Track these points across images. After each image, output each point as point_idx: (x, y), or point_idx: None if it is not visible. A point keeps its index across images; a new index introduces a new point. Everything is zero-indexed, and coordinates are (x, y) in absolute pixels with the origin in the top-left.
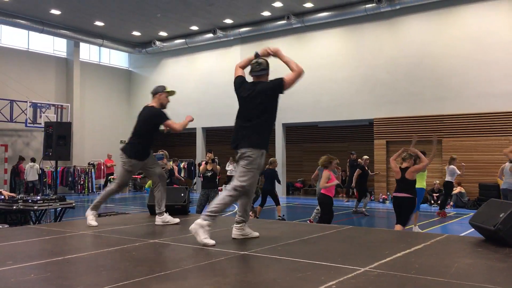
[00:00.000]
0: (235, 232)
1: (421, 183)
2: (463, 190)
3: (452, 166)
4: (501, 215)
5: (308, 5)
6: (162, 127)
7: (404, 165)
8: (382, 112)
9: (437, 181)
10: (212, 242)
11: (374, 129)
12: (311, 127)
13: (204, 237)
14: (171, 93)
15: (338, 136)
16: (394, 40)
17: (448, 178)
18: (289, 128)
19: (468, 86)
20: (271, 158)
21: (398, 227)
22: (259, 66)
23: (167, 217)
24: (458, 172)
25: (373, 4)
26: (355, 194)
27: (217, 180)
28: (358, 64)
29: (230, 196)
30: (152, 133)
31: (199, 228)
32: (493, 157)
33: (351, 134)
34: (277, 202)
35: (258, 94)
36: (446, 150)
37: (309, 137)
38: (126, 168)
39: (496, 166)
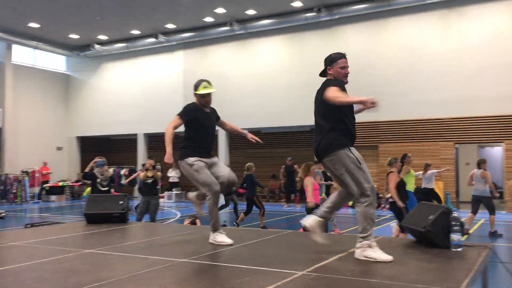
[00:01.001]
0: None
1: (411, 187)
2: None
3: (430, 171)
4: (430, 217)
5: (251, 12)
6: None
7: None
8: None
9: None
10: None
11: None
12: (254, 133)
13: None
14: (206, 95)
15: (281, 142)
16: (333, 49)
17: (427, 185)
18: (232, 134)
19: (402, 94)
20: (248, 164)
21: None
22: None
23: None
24: (436, 172)
25: (313, 13)
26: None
27: (158, 187)
28: (300, 71)
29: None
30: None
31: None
32: (425, 161)
33: (293, 140)
34: (256, 209)
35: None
36: (381, 155)
37: (252, 143)
38: None
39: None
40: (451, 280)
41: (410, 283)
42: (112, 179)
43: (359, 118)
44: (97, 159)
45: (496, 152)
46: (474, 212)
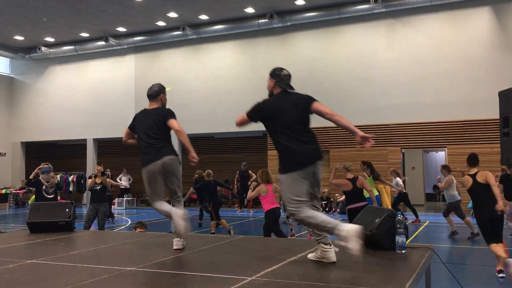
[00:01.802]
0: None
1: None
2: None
3: (398, 178)
4: (376, 221)
5: (203, 17)
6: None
7: (350, 175)
8: None
9: (326, 190)
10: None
11: (268, 140)
12: (207, 138)
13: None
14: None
15: (234, 147)
16: (286, 55)
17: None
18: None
19: (351, 100)
20: (208, 171)
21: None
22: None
23: None
24: (400, 183)
25: (266, 20)
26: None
27: (107, 194)
28: (252, 76)
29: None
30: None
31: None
32: (375, 165)
33: (246, 145)
34: (217, 216)
35: None
36: (332, 160)
37: (205, 148)
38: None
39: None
40: (395, 281)
41: (355, 285)
42: (59, 186)
43: (311, 123)
44: (43, 166)
45: (440, 156)
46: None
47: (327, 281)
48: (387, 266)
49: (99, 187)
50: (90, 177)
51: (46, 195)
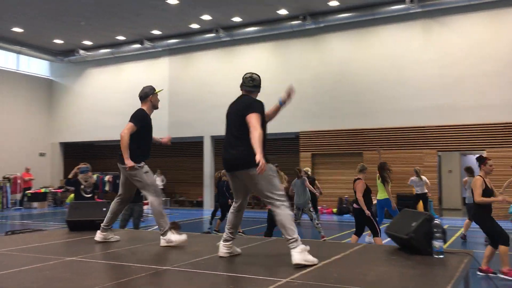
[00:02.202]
0: (224, 250)
1: (383, 194)
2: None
3: (413, 177)
4: (413, 224)
5: (236, 19)
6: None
7: (358, 176)
8: (307, 125)
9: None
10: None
11: (300, 142)
12: None
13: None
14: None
15: (266, 149)
16: (318, 56)
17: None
18: (218, 140)
19: (385, 102)
20: (223, 171)
21: (354, 237)
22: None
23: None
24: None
25: (299, 21)
26: None
27: (141, 194)
28: (285, 78)
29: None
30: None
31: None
32: (409, 169)
33: (278, 147)
34: (223, 216)
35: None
36: (366, 162)
37: None
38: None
39: (411, 177)
40: (434, 287)
41: None
42: (96, 186)
43: (343, 125)
44: (81, 165)
45: None
46: (471, 218)
47: (363, 284)
48: (424, 272)
49: None
50: None
51: (84, 195)
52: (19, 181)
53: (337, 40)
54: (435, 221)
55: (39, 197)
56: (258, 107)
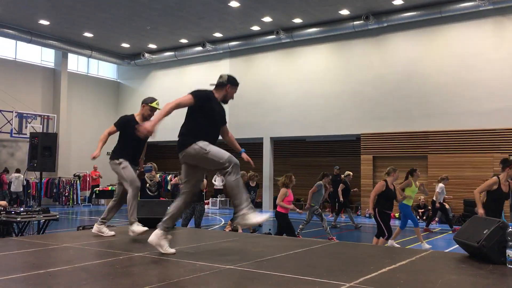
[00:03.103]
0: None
1: (408, 200)
2: (447, 206)
3: (441, 185)
4: (484, 232)
5: (297, 20)
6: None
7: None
8: (369, 127)
9: (422, 197)
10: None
11: (361, 144)
12: (299, 142)
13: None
14: (154, 108)
15: (326, 151)
16: (381, 57)
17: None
18: (277, 142)
19: (453, 103)
20: (243, 171)
21: (382, 240)
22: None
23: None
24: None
25: (361, 21)
26: (335, 208)
27: (202, 193)
28: (346, 79)
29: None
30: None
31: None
32: (477, 173)
33: (338, 149)
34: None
35: None
36: (431, 166)
37: (296, 152)
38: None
39: (480, 182)
40: None
41: None
42: (160, 185)
43: (408, 127)
44: (147, 164)
45: None
46: None
47: None
48: (498, 282)
49: None
50: None
51: (150, 193)
52: (88, 178)
53: (401, 40)
54: (509, 229)
55: (107, 194)
56: (195, 91)
